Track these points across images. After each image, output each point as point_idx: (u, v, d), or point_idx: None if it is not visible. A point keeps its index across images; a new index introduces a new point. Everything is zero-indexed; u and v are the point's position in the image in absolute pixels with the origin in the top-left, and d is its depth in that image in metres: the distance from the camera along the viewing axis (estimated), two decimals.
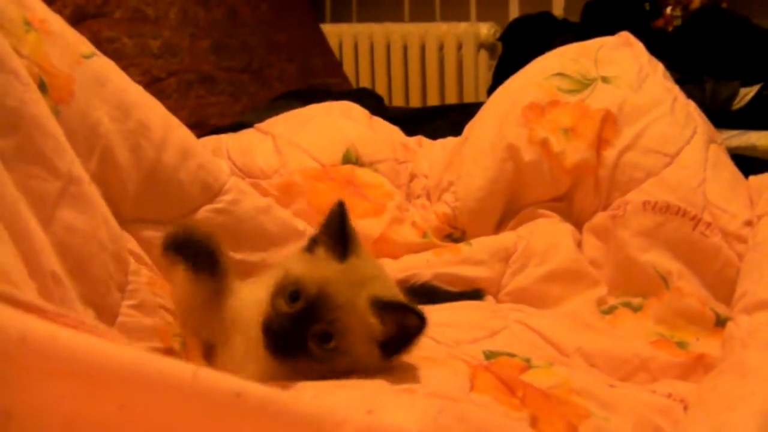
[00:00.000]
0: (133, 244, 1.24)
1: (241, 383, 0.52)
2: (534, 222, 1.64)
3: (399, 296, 1.07)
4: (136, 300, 1.14)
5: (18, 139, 0.99)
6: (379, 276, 1.08)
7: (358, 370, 0.99)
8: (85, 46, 1.29)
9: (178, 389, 0.51)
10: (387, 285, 1.08)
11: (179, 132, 1.39)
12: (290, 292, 1.02)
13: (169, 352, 1.12)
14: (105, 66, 1.31)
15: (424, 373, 1.02)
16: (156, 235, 1.30)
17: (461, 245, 1.62)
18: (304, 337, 0.99)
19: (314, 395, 0.88)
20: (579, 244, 1.61)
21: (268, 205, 1.49)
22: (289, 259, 1.11)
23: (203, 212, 1.38)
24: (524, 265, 1.55)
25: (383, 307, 1.01)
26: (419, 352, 1.05)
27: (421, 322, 0.99)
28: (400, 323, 1.00)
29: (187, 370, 0.51)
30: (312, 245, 1.08)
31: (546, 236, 1.59)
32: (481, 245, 1.60)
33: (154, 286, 1.20)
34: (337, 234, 1.06)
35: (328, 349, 0.99)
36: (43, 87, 1.11)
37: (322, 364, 1.00)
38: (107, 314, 1.07)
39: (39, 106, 1.05)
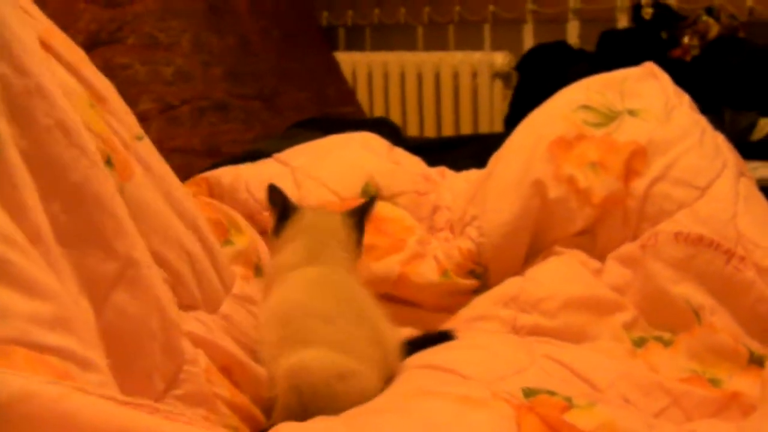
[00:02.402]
0: (194, 325, 1.20)
1: None
2: (544, 262, 1.61)
3: None
4: (183, 390, 1.10)
5: (78, 216, 0.98)
6: None
7: None
8: (136, 127, 1.28)
9: None
10: None
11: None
12: None
13: None
14: (149, 151, 1.30)
15: (471, 419, 0.98)
16: None
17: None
18: None
19: None
20: (598, 272, 1.57)
21: None
22: None
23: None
24: (539, 301, 1.51)
25: None
26: (460, 389, 1.01)
27: None
28: None
29: None
30: None
31: (553, 271, 1.57)
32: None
33: (210, 372, 1.17)
34: None
35: None
36: (109, 163, 1.09)
37: None
38: None
39: (103, 185, 1.03)
